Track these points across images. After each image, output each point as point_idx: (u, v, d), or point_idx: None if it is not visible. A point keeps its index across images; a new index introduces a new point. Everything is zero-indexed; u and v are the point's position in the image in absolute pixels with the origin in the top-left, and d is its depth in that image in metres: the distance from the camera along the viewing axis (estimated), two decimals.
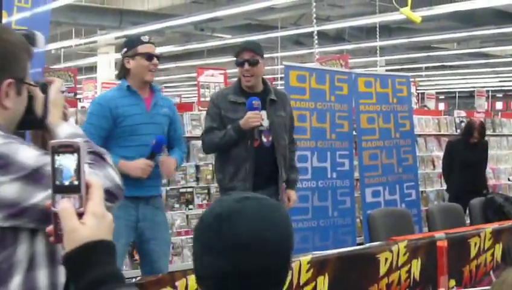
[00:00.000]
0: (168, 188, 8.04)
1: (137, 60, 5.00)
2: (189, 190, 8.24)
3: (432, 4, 13.35)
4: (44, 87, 2.23)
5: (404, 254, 4.12)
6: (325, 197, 7.62)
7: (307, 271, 3.56)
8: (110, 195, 1.88)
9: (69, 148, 1.45)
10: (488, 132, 12.28)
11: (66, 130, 2.13)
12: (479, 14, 15.93)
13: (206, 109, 10.13)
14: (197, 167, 8.44)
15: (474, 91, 27.40)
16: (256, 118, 5.25)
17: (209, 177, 8.45)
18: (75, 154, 1.45)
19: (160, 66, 21.59)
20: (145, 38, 5.13)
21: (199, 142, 8.51)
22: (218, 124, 5.43)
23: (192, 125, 8.55)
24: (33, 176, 1.79)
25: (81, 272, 1.39)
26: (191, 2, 16.49)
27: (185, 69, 26.12)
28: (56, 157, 1.45)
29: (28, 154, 1.83)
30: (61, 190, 1.45)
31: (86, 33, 19.15)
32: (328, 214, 7.63)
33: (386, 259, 4.00)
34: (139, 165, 4.91)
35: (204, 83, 12.17)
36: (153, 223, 5.08)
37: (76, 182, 1.44)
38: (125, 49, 5.08)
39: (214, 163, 6.08)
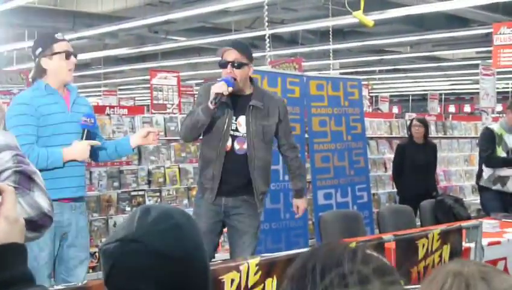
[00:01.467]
0: (119, 191, 8.02)
1: (55, 60, 4.77)
2: (140, 193, 8.21)
3: (384, 8, 13.45)
4: None
5: None
6: (277, 199, 7.65)
7: (255, 273, 3.56)
8: (32, 224, 1.81)
9: None
10: (439, 134, 12.46)
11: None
12: (430, 18, 16.11)
13: (158, 111, 10.12)
14: (149, 171, 8.41)
15: (427, 94, 27.77)
16: (222, 87, 5.08)
17: (160, 180, 8.43)
18: None
19: (115, 69, 21.58)
20: (60, 35, 4.87)
21: (151, 145, 8.53)
22: None
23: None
24: None
25: None
26: (145, 4, 16.41)
27: (139, 72, 25.98)
28: None
29: None
30: None
31: (38, 35, 18.96)
32: (280, 217, 7.66)
33: None
34: (83, 148, 4.78)
35: (158, 85, 12.14)
36: (77, 229, 4.90)
37: None
38: (40, 49, 4.82)
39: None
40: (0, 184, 1.50)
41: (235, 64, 5.30)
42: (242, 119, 5.36)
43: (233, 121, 5.36)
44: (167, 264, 1.64)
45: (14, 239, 1.44)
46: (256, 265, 3.56)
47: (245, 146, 5.35)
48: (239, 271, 3.45)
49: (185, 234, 1.71)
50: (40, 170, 4.50)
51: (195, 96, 5.34)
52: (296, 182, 5.78)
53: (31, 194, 1.86)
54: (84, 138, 4.81)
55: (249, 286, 3.54)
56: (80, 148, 4.77)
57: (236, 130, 5.36)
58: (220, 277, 3.35)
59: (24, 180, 1.88)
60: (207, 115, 5.15)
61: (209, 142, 5.37)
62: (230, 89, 5.15)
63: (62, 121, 4.76)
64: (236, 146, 5.37)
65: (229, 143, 5.35)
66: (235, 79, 5.23)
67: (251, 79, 5.53)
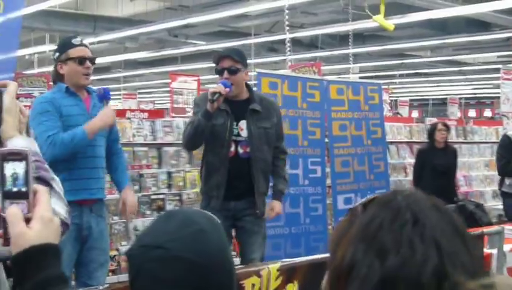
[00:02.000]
0: (139, 194, 8.04)
1: (70, 65, 4.84)
2: (160, 196, 8.23)
3: (405, 12, 13.41)
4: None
5: None
6: (297, 204, 7.63)
7: (276, 279, 3.55)
8: None
9: (18, 155, 1.49)
10: (459, 139, 12.40)
11: (17, 144, 1.96)
12: (451, 22, 16.04)
13: (178, 115, 10.16)
14: (169, 174, 8.43)
15: (447, 99, 27.60)
16: (219, 87, 5.19)
17: (180, 183, 8.44)
18: (23, 162, 1.49)
19: (135, 72, 21.62)
20: (77, 40, 4.94)
21: (171, 149, 8.56)
22: None
23: (164, 132, 8.55)
24: None
25: (27, 275, 1.42)
26: (165, 8, 16.47)
27: (159, 75, 26.06)
28: (5, 164, 1.48)
29: None
30: (10, 195, 1.48)
31: (60, 39, 19.05)
32: (300, 221, 7.64)
33: None
34: (105, 112, 4.83)
35: (178, 89, 12.17)
36: (96, 232, 4.93)
37: (24, 189, 1.48)
38: (57, 54, 4.91)
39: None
40: (34, 185, 1.50)
41: (231, 70, 5.43)
42: (243, 123, 5.46)
43: (235, 126, 5.45)
44: (191, 270, 1.64)
45: (50, 239, 1.46)
46: (278, 270, 3.55)
47: (248, 149, 5.46)
48: (260, 276, 3.44)
49: (209, 238, 1.70)
50: (70, 156, 4.59)
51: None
52: (278, 184, 5.78)
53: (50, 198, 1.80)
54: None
55: None
56: (102, 114, 4.82)
57: (239, 134, 5.44)
58: (241, 282, 3.34)
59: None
60: (207, 117, 5.21)
61: (213, 149, 5.44)
62: (228, 89, 5.23)
63: (82, 122, 4.78)
64: (240, 150, 5.47)
65: (233, 148, 5.45)
66: (231, 84, 5.32)
67: (247, 84, 5.65)
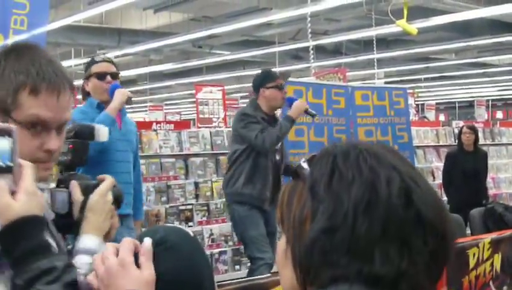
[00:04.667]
0: (167, 205, 8.08)
1: (92, 81, 4.94)
2: (188, 207, 8.26)
3: (428, 16, 13.37)
4: (87, 189, 1.93)
5: None
6: None
7: None
8: None
9: (4, 132, 1.51)
10: (487, 142, 12.32)
11: (86, 242, 1.87)
12: (475, 25, 15.95)
13: (204, 125, 10.21)
14: (196, 184, 8.47)
15: (474, 101, 27.47)
16: (304, 102, 6.44)
17: (208, 194, 8.47)
18: (9, 138, 1.51)
19: (160, 84, 21.71)
20: (99, 57, 5.08)
21: (198, 160, 8.59)
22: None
23: (191, 142, 8.59)
24: None
25: (14, 244, 1.47)
26: (188, 19, 16.53)
27: (184, 86, 26.16)
28: None
29: None
30: None
31: (85, 53, 19.18)
32: None
33: None
34: (119, 94, 4.88)
35: (203, 99, 12.23)
36: None
37: (10, 163, 1.52)
38: (84, 72, 5.04)
39: (231, 179, 6.34)
40: (19, 160, 1.54)
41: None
42: None
43: None
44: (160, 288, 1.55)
45: (34, 211, 1.52)
46: None
47: (279, 157, 6.35)
48: None
49: (179, 255, 1.60)
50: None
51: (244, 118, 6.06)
52: None
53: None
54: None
55: None
56: (115, 97, 4.86)
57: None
58: None
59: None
60: (292, 124, 6.21)
61: (266, 153, 6.17)
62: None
63: (114, 138, 4.80)
64: (277, 156, 6.32)
65: (275, 154, 6.28)
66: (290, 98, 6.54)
67: None
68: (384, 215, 1.16)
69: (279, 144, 6.32)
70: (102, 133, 2.11)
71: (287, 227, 1.29)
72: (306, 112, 6.36)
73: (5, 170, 1.51)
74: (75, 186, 1.90)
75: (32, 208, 1.51)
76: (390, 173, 1.19)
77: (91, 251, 1.81)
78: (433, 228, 1.18)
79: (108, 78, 4.94)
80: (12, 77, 1.69)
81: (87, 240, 1.86)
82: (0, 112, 1.70)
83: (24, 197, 1.51)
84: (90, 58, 5.24)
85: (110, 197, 1.95)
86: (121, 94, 4.90)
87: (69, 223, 1.88)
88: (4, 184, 1.51)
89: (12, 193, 1.51)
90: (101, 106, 4.92)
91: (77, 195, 1.89)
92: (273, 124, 6.22)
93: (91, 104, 4.95)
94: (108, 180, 1.97)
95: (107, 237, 1.93)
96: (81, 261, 1.78)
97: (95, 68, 4.95)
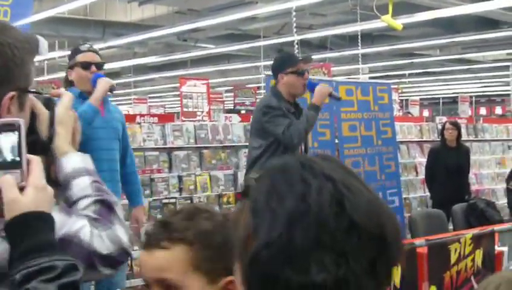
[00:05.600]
0: (150, 199, 8.06)
1: (76, 71, 4.93)
2: (172, 200, 8.24)
3: (413, 11, 13.39)
4: (49, 103, 1.87)
5: None
6: None
7: None
8: (109, 260, 1.74)
9: (11, 126, 1.53)
10: (470, 138, 12.37)
11: (73, 162, 1.86)
12: (460, 21, 16.00)
13: (188, 119, 10.17)
14: (180, 178, 8.45)
15: (457, 97, 27.55)
16: (327, 86, 5.98)
17: (191, 187, 8.46)
18: (16, 133, 1.52)
19: (145, 77, 21.63)
20: (84, 46, 5.04)
21: (181, 153, 8.58)
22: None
23: (174, 136, 8.57)
24: None
25: (19, 239, 1.46)
26: (173, 12, 16.49)
27: (169, 80, 26.11)
28: None
29: None
30: (4, 166, 1.52)
31: (69, 45, 19.08)
32: None
33: None
34: (105, 81, 4.89)
35: (187, 93, 12.21)
36: None
37: (17, 158, 1.52)
38: (68, 61, 5.03)
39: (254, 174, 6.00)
40: (27, 155, 1.54)
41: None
42: None
43: None
44: None
45: (42, 207, 1.50)
46: None
47: (303, 146, 5.93)
48: None
49: None
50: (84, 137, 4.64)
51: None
52: None
53: (112, 227, 1.77)
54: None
55: None
56: (98, 86, 4.86)
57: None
58: None
59: (105, 211, 1.80)
60: (318, 111, 5.81)
61: (292, 150, 5.68)
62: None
63: (97, 126, 4.84)
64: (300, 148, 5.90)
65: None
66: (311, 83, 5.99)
67: None
68: (316, 225, 1.16)
69: None
70: (43, 45, 2.10)
71: (236, 247, 1.30)
72: (330, 95, 5.94)
73: (13, 166, 1.52)
74: (36, 101, 1.82)
75: (41, 204, 1.50)
76: (322, 182, 1.19)
77: (85, 170, 1.85)
78: (368, 233, 1.17)
79: (93, 68, 4.93)
80: None
81: (73, 158, 1.86)
82: None
83: (32, 192, 1.51)
84: (74, 47, 5.22)
85: (72, 110, 1.94)
86: (103, 83, 4.88)
87: (33, 142, 1.74)
88: (12, 179, 1.50)
89: (21, 189, 1.51)
90: (83, 95, 4.91)
91: (42, 109, 1.83)
92: (297, 113, 5.77)
93: (73, 94, 4.90)
94: (67, 95, 1.96)
95: (74, 147, 1.94)
96: (84, 184, 1.81)
97: (80, 58, 4.93)
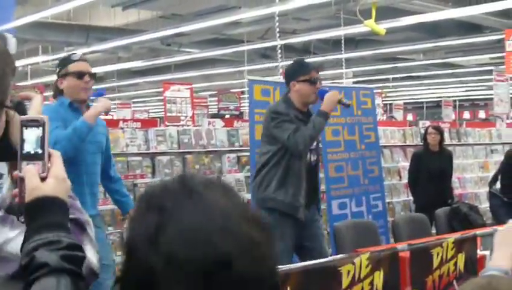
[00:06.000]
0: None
1: (69, 80, 4.89)
2: None
3: (396, 16, 13.44)
4: (20, 107, 1.88)
5: (367, 266, 4.13)
6: None
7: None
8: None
9: (36, 122, 1.66)
10: (453, 142, 12.43)
11: None
12: (443, 25, 16.08)
13: (172, 124, 10.13)
14: None
15: (441, 101, 27.66)
16: (337, 92, 5.79)
17: None
18: (41, 128, 1.66)
19: (129, 82, 21.57)
20: (76, 56, 5.04)
21: (165, 158, 8.56)
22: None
23: (158, 141, 8.56)
24: None
25: (33, 219, 1.57)
26: (157, 17, 16.49)
27: (153, 84, 26.09)
28: (24, 130, 1.65)
29: None
30: (27, 157, 1.65)
31: (52, 50, 19.05)
32: None
33: (349, 271, 4.01)
34: (104, 100, 4.95)
35: (171, 98, 12.20)
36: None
37: (40, 151, 1.65)
38: (58, 69, 4.98)
39: (262, 183, 5.80)
40: (50, 150, 1.66)
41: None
42: None
43: None
44: None
45: (60, 195, 1.61)
46: None
47: (315, 158, 5.86)
48: None
49: None
50: (76, 151, 4.63)
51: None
52: None
53: (85, 244, 1.77)
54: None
55: None
56: (99, 104, 4.91)
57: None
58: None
59: (76, 230, 1.79)
60: (326, 117, 5.62)
61: (299, 156, 5.63)
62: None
63: (86, 140, 4.83)
64: (312, 158, 5.81)
65: (308, 155, 5.76)
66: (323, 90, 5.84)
67: None
68: (136, 263, 1.25)
69: (315, 143, 5.83)
70: (12, 43, 2.13)
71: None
72: (340, 102, 5.78)
73: (36, 157, 1.64)
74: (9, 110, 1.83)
75: (58, 192, 1.60)
76: (152, 217, 1.25)
77: None
78: (188, 265, 1.20)
79: (87, 77, 4.91)
80: None
81: None
82: None
83: (52, 182, 1.61)
84: (64, 56, 5.24)
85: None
86: (105, 103, 4.94)
87: (5, 149, 1.82)
88: (33, 168, 1.62)
89: (43, 179, 1.61)
90: (73, 106, 4.91)
91: (15, 115, 1.82)
92: (307, 121, 5.64)
93: (62, 103, 4.91)
94: (37, 97, 1.93)
95: None
96: None
97: (73, 67, 4.91)
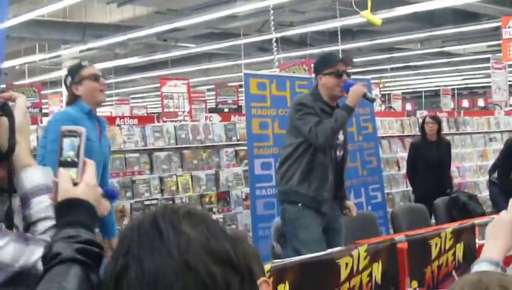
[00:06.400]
0: (132, 201, 8.04)
1: (86, 84, 4.95)
2: (153, 202, 8.22)
3: (392, 6, 13.43)
4: (4, 108, 1.87)
5: (365, 258, 4.13)
6: None
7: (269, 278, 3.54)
8: None
9: (75, 132, 1.77)
10: (452, 131, 12.40)
11: (34, 179, 1.91)
12: (439, 14, 16.08)
13: (170, 119, 10.10)
14: (161, 179, 8.43)
15: (439, 90, 27.65)
16: (362, 86, 5.56)
17: (173, 188, 8.44)
18: (78, 138, 1.77)
19: (126, 78, 21.58)
20: (85, 62, 5.17)
21: (162, 154, 8.56)
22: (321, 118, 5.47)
23: (155, 137, 8.55)
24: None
25: (61, 216, 1.67)
26: (153, 12, 16.47)
27: (150, 80, 26.08)
28: (64, 139, 1.76)
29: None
30: (64, 164, 1.75)
31: (49, 48, 19.05)
32: None
33: (347, 264, 4.00)
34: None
35: (168, 93, 12.18)
36: None
37: (76, 159, 1.76)
38: (69, 78, 5.02)
39: (285, 175, 5.72)
40: (85, 158, 1.75)
41: (348, 74, 5.68)
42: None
43: None
44: None
45: (89, 199, 1.70)
46: (268, 271, 3.55)
47: (341, 153, 5.71)
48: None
49: None
50: None
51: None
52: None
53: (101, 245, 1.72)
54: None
55: None
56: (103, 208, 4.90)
57: (337, 138, 5.61)
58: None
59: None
60: (350, 112, 5.48)
61: (325, 150, 5.52)
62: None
63: (94, 149, 4.79)
64: (338, 153, 5.67)
65: (334, 150, 5.64)
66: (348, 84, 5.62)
67: None
68: None
69: (342, 138, 5.69)
70: None
71: None
72: (364, 96, 5.58)
73: (72, 164, 1.75)
74: None
75: (88, 197, 1.69)
76: (120, 259, 1.28)
77: (46, 187, 1.89)
78: None
79: (102, 79, 5.04)
80: None
81: (34, 174, 1.92)
82: None
83: (83, 187, 1.70)
84: (73, 64, 5.30)
85: (28, 115, 1.95)
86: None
87: None
88: (68, 174, 1.71)
89: (75, 184, 1.70)
90: (92, 114, 4.95)
91: (1, 119, 1.82)
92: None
93: (82, 109, 4.92)
94: (21, 98, 1.94)
95: None
96: (45, 204, 1.87)
97: (87, 71, 4.99)
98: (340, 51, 14.46)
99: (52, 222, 1.81)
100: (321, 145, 5.47)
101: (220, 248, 1.27)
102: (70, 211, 1.66)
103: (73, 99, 5.01)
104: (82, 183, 1.71)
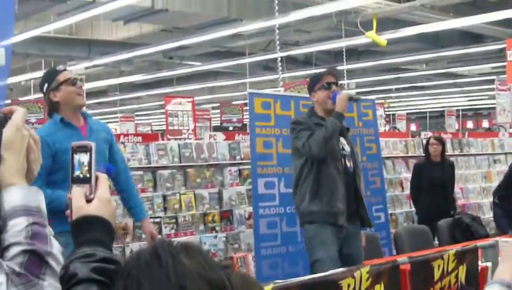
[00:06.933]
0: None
1: (63, 89, 4.88)
2: (156, 220, 8.21)
3: (397, 27, 13.46)
4: (6, 123, 1.73)
5: (367, 280, 4.11)
6: (293, 223, 7.58)
7: None
8: None
9: (84, 148, 1.80)
10: (456, 152, 12.39)
11: (12, 199, 1.68)
12: (444, 36, 16.09)
13: (174, 137, 10.12)
14: (164, 197, 8.42)
15: (444, 111, 27.64)
16: (346, 91, 5.64)
17: (176, 206, 8.42)
18: (88, 153, 1.79)
19: (131, 95, 21.59)
20: (60, 67, 5.06)
21: (166, 172, 8.56)
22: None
23: (159, 155, 8.55)
24: None
25: (77, 235, 1.70)
26: (159, 30, 16.52)
27: (155, 97, 26.13)
28: (74, 155, 1.79)
29: None
30: (76, 181, 1.79)
31: (55, 64, 19.07)
32: (297, 240, 7.61)
33: (349, 285, 3.99)
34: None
35: (173, 111, 12.19)
36: None
37: (88, 175, 1.79)
38: (46, 85, 4.95)
39: (298, 198, 5.77)
40: (97, 173, 1.79)
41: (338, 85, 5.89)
42: (341, 139, 5.76)
43: (340, 140, 5.73)
44: None
45: (105, 215, 1.73)
46: None
47: (351, 163, 5.76)
48: None
49: None
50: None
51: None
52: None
53: (39, 284, 1.58)
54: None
55: None
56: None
57: (343, 149, 5.72)
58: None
59: (34, 264, 1.60)
60: (339, 118, 5.54)
61: (329, 161, 5.56)
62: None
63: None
64: (348, 163, 5.74)
65: (343, 161, 5.69)
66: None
67: None
68: None
69: (349, 149, 5.82)
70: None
71: None
72: (350, 100, 5.79)
73: (84, 181, 1.78)
74: None
75: (102, 212, 1.72)
76: (122, 281, 1.38)
77: (24, 209, 1.67)
78: None
79: (79, 82, 4.97)
80: None
81: (17, 195, 1.68)
82: None
83: (97, 203, 1.73)
84: (47, 71, 5.22)
85: (25, 131, 1.74)
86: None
87: None
88: (81, 191, 1.75)
89: (89, 201, 1.74)
90: (65, 121, 4.88)
91: None
92: None
93: (54, 121, 4.90)
94: (19, 110, 1.75)
95: (28, 178, 1.76)
96: (18, 227, 1.64)
97: (63, 76, 4.91)
98: (345, 71, 14.47)
99: (21, 248, 1.59)
100: (316, 157, 5.52)
101: (216, 277, 1.34)
102: (85, 228, 1.69)
103: (51, 108, 4.97)
104: (95, 200, 1.74)
